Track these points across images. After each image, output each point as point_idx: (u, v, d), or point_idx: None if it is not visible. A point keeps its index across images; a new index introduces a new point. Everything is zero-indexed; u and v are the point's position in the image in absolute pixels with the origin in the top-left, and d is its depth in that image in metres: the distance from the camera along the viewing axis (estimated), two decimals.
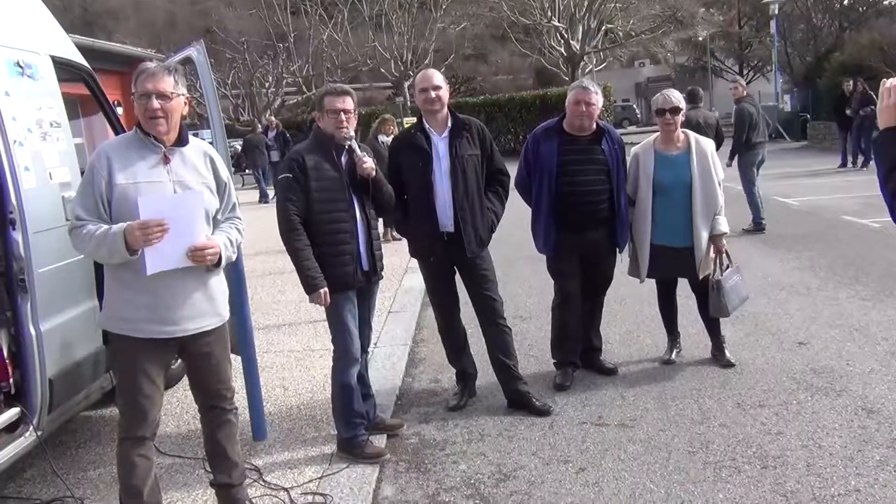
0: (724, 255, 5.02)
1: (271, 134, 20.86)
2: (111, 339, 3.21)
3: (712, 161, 4.96)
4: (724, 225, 4.96)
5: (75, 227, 3.00)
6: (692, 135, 5.06)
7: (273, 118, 23.28)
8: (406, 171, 4.47)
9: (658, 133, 5.06)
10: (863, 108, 16.45)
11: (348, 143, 3.99)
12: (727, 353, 5.20)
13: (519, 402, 4.63)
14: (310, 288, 3.88)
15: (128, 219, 2.95)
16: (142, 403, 3.10)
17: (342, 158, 3.99)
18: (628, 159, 5.05)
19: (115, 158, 3.02)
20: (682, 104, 4.98)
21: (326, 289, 3.87)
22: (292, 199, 3.85)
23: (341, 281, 3.95)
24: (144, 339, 3.08)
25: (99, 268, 4.10)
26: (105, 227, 2.95)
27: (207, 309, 3.21)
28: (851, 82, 17.41)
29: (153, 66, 3.10)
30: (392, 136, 8.77)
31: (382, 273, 4.25)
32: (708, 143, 5.06)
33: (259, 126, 22.62)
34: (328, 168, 3.92)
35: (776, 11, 28.99)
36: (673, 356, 5.30)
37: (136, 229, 2.89)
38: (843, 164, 16.88)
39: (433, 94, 4.37)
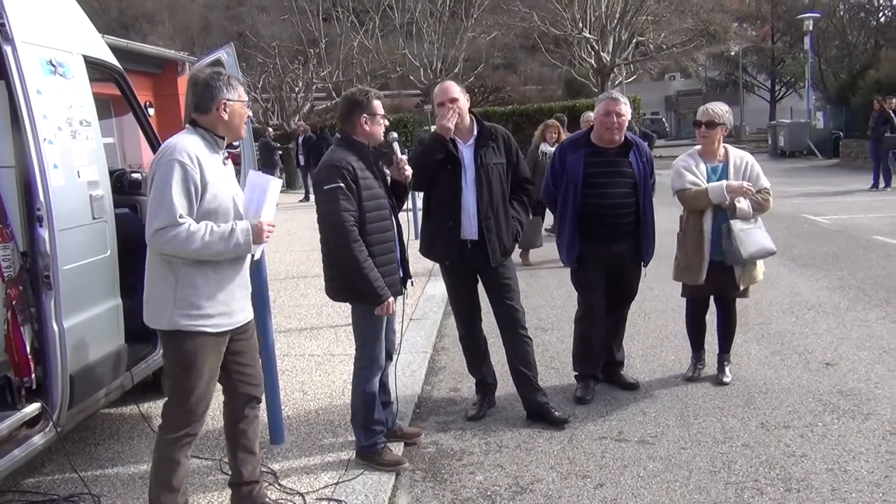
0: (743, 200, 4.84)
1: (299, 139, 21.08)
2: (179, 337, 3.14)
3: (751, 173, 4.89)
4: (743, 203, 4.82)
5: (178, 224, 2.98)
6: (731, 148, 5.00)
7: (302, 122, 23.44)
8: (430, 177, 4.44)
9: (699, 145, 5.03)
10: (882, 127, 16.29)
11: (393, 143, 4.01)
12: (727, 371, 5.13)
13: (538, 413, 4.58)
14: (378, 298, 3.78)
15: (217, 214, 3.11)
16: (205, 401, 3.22)
17: (376, 165, 3.98)
18: (673, 165, 5.02)
19: (201, 157, 3.11)
20: (724, 119, 4.90)
21: (393, 298, 3.85)
22: (349, 209, 3.70)
23: (394, 290, 3.93)
24: (216, 334, 3.18)
25: (133, 267, 4.17)
26: (221, 225, 3.08)
27: (248, 298, 3.41)
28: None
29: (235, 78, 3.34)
30: (556, 144, 8.16)
31: (412, 281, 4.24)
32: (746, 155, 4.99)
33: (270, 130, 22.90)
34: (369, 175, 3.87)
35: (811, 27, 28.71)
36: (696, 373, 5.22)
37: (263, 226, 3.17)
38: (875, 186, 16.65)
39: (450, 106, 4.35)
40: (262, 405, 4.32)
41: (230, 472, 3.57)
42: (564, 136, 8.75)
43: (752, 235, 4.81)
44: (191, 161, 3.05)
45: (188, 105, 3.34)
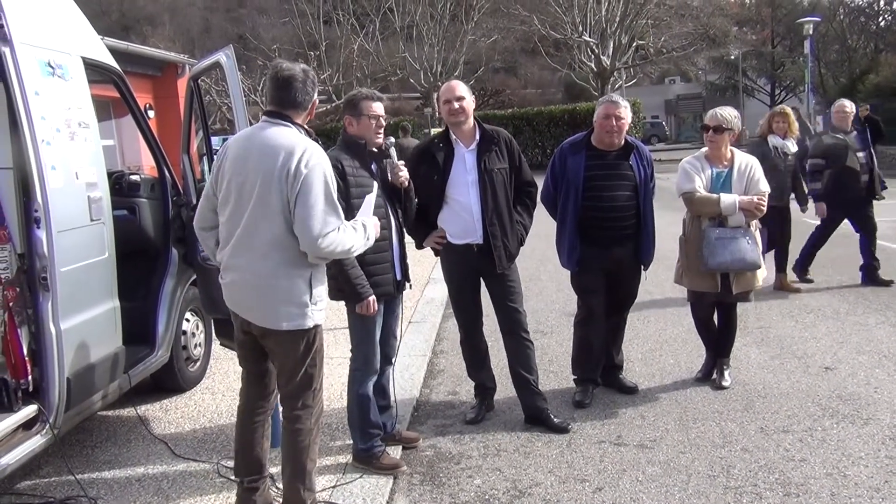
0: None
1: None
2: (315, 332, 3.32)
3: (752, 178, 4.88)
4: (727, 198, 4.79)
5: (343, 224, 3.18)
6: (738, 153, 4.99)
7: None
8: (422, 181, 4.41)
9: (705, 148, 5.01)
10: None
11: (389, 149, 3.99)
12: (726, 375, 5.12)
13: (537, 418, 4.57)
14: (358, 297, 3.80)
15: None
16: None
17: (374, 165, 3.97)
18: (679, 167, 5.01)
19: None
20: (732, 124, 4.88)
21: (374, 297, 3.84)
22: None
23: (382, 290, 3.92)
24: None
25: (131, 269, 4.17)
26: (348, 222, 3.25)
27: None
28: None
29: None
30: (788, 137, 7.47)
31: (410, 284, 4.23)
32: (751, 160, 4.98)
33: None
34: (364, 174, 3.87)
35: (810, 31, 28.71)
36: (702, 375, 5.24)
37: (376, 224, 3.43)
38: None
39: (456, 104, 4.34)
40: None
41: (233, 469, 3.59)
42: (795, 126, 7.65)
43: (730, 245, 4.77)
44: (336, 170, 3.39)
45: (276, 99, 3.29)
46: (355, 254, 3.36)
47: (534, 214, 4.69)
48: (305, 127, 3.30)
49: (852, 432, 4.30)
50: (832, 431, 4.33)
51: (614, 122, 4.66)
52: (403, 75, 35.43)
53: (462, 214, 4.40)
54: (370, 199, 3.52)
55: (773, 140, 7.49)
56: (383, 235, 3.91)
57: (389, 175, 4.02)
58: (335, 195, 3.16)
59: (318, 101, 3.38)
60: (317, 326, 3.31)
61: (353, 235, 3.22)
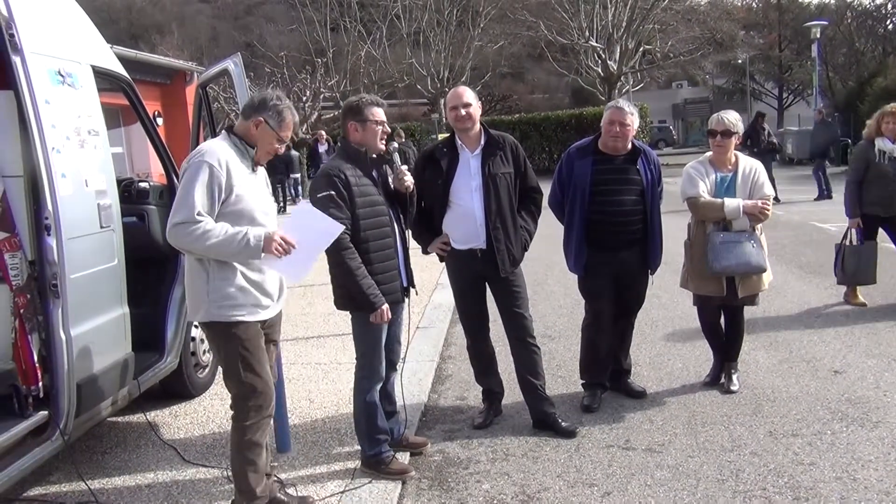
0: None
1: (322, 148, 21.19)
2: (218, 329, 3.34)
3: (756, 181, 4.87)
4: (732, 202, 4.78)
5: (195, 221, 3.14)
6: (742, 157, 4.98)
7: (322, 131, 23.48)
8: (427, 186, 4.42)
9: (711, 152, 5.01)
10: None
11: (393, 154, 4.01)
12: (734, 379, 5.11)
13: (545, 423, 4.57)
14: (371, 305, 3.79)
15: (241, 217, 3.26)
16: (264, 380, 3.41)
17: (374, 171, 3.98)
18: (684, 172, 5.00)
19: (230, 162, 3.28)
20: (737, 127, 4.88)
21: (387, 305, 3.85)
22: (339, 216, 3.69)
23: (391, 297, 3.92)
24: (251, 322, 3.37)
25: (140, 276, 4.19)
26: (236, 228, 3.20)
27: (281, 291, 3.61)
28: None
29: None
30: None
31: (416, 290, 4.24)
32: (756, 164, 4.98)
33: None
34: (367, 182, 3.88)
35: (818, 35, 28.61)
36: (710, 379, 5.24)
37: (274, 239, 3.22)
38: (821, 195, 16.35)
39: (463, 111, 4.35)
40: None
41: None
42: None
43: (735, 249, 4.76)
44: (219, 164, 3.22)
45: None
46: (232, 259, 3.26)
47: (538, 220, 4.69)
48: (239, 134, 3.40)
49: (862, 436, 4.28)
50: (842, 435, 4.31)
51: (619, 129, 4.66)
52: (410, 81, 35.46)
53: (465, 219, 4.41)
54: (312, 216, 3.47)
55: (882, 143, 6.73)
56: (387, 243, 3.93)
57: (392, 181, 4.03)
58: (202, 193, 3.17)
59: (266, 123, 3.37)
60: (218, 323, 3.32)
61: (218, 238, 3.14)
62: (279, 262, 3.29)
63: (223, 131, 3.47)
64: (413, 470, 4.09)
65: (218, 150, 3.28)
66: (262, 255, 3.23)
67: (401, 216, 4.10)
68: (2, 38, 3.42)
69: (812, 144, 16.75)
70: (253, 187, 3.38)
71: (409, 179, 4.01)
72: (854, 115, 27.53)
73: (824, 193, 16.20)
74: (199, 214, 3.14)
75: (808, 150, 16.60)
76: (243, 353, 3.35)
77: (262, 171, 3.55)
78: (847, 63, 34.78)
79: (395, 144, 4.08)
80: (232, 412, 3.46)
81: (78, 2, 4.30)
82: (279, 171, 20.00)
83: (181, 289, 5.06)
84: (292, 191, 21.76)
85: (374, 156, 3.96)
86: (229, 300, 3.29)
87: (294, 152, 21.56)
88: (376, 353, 3.99)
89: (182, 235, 3.16)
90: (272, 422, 4.27)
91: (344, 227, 3.55)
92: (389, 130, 4.02)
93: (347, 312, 4.00)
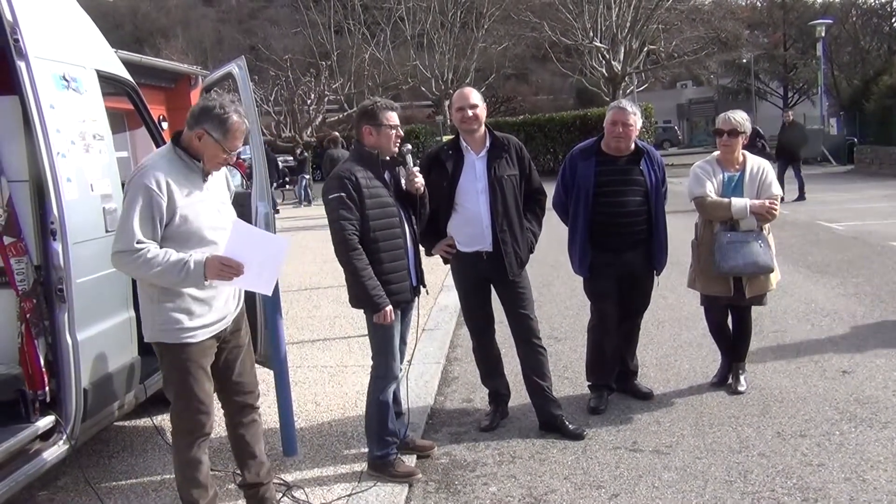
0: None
1: (337, 152, 21.32)
2: (163, 349, 3.26)
3: (764, 181, 4.85)
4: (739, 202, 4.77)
5: (135, 250, 3.03)
6: (749, 156, 4.96)
7: (336, 133, 23.54)
8: (432, 188, 4.41)
9: (718, 151, 4.99)
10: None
11: (405, 155, 4.04)
12: (742, 380, 5.09)
13: (552, 425, 4.56)
14: (375, 307, 3.83)
15: (188, 239, 3.14)
16: (206, 401, 3.33)
17: (386, 173, 4.01)
18: (691, 172, 4.99)
19: (170, 179, 3.12)
20: (744, 127, 4.87)
21: (391, 307, 3.86)
22: (349, 217, 3.77)
23: (400, 297, 3.95)
24: (197, 343, 3.26)
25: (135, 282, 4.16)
26: (178, 254, 3.08)
27: (231, 297, 3.44)
28: None
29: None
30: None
31: (427, 289, 4.25)
32: (763, 164, 4.96)
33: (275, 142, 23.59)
34: (378, 184, 3.92)
35: (823, 34, 28.59)
36: (718, 379, 5.22)
37: (217, 264, 3.09)
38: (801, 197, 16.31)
39: (469, 112, 4.35)
40: (275, 417, 4.35)
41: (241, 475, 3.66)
42: None
43: (742, 249, 4.74)
44: (158, 188, 3.07)
45: None
46: (176, 286, 3.14)
47: (543, 222, 4.69)
48: (184, 146, 3.23)
49: (870, 436, 4.26)
50: (850, 435, 4.29)
51: (621, 129, 4.65)
52: (415, 83, 35.50)
53: (471, 222, 4.40)
54: (249, 234, 3.33)
55: None
56: (397, 244, 3.95)
57: (404, 182, 4.05)
58: (141, 219, 3.05)
59: (209, 134, 3.18)
60: (163, 344, 3.24)
61: (159, 267, 3.03)
62: (238, 280, 3.17)
63: (169, 142, 3.29)
64: (420, 472, 4.08)
65: (159, 168, 3.13)
66: (208, 281, 3.12)
67: (412, 217, 4.11)
68: (6, 43, 3.42)
69: (778, 146, 16.64)
70: (201, 204, 3.22)
71: (419, 181, 4.03)
72: (860, 114, 27.44)
73: (804, 195, 16.19)
74: (138, 242, 3.03)
75: (775, 152, 16.42)
76: (183, 374, 3.26)
77: (218, 174, 3.39)
78: (852, 61, 34.68)
79: (408, 146, 4.11)
80: (173, 428, 3.42)
81: (82, 6, 4.31)
82: (295, 171, 20.33)
83: None
84: (303, 192, 22.06)
85: (387, 157, 3.98)
86: (172, 324, 3.20)
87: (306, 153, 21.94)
88: (389, 351, 4.01)
89: (123, 264, 3.10)
90: (279, 426, 4.29)
91: (286, 240, 3.43)
92: (403, 134, 4.05)
93: (354, 315, 4.02)
